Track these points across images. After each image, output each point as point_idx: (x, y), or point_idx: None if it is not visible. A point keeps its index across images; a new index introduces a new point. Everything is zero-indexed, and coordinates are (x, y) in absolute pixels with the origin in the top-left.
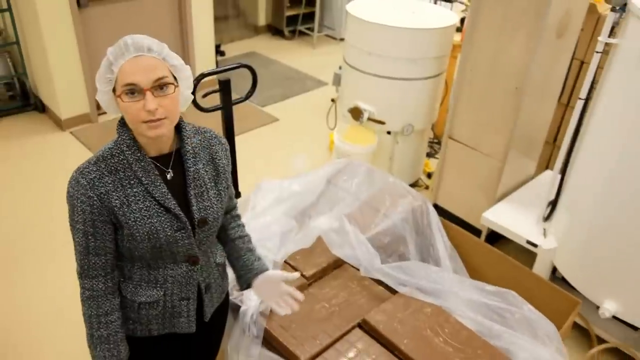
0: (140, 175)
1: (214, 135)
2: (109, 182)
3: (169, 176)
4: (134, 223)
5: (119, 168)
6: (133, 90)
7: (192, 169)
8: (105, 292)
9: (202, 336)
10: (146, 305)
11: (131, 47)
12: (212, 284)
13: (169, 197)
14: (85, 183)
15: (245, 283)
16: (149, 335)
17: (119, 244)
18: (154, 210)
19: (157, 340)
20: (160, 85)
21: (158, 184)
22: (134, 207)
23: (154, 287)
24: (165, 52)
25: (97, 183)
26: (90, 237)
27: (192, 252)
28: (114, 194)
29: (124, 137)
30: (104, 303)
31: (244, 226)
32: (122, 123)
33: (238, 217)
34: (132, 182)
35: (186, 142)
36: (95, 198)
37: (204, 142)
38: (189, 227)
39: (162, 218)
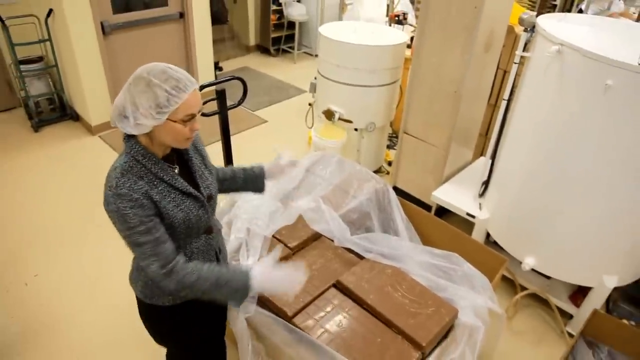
0: (162, 175)
1: None
2: (143, 184)
3: (176, 170)
4: (172, 212)
5: (142, 175)
6: (191, 118)
7: (193, 160)
8: (186, 260)
9: None
10: None
11: (188, 82)
12: (222, 247)
13: (187, 185)
14: (126, 191)
15: (261, 184)
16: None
17: None
18: (180, 199)
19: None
20: (199, 110)
21: (176, 177)
22: (167, 201)
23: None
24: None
25: (135, 187)
26: (153, 230)
27: (208, 223)
28: (151, 192)
29: (137, 148)
30: (194, 264)
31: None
32: (128, 136)
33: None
34: (155, 182)
35: None
36: (141, 198)
37: None
38: (206, 204)
39: (188, 202)
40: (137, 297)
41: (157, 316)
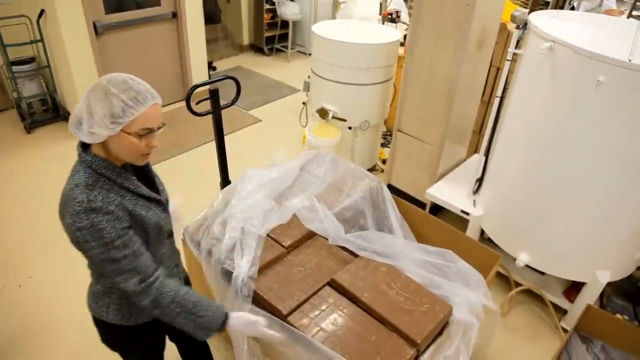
0: (127, 184)
1: None
2: (113, 196)
3: (135, 180)
4: (146, 218)
5: (108, 187)
6: (147, 132)
7: (149, 167)
8: (166, 275)
9: None
10: None
11: (148, 94)
12: (177, 248)
13: (149, 191)
14: (100, 204)
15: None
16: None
17: None
18: (146, 205)
19: None
20: (160, 127)
21: (140, 185)
22: (138, 208)
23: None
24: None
25: (108, 200)
26: (130, 243)
27: (170, 227)
28: (124, 202)
29: (97, 162)
30: (172, 282)
31: None
32: (85, 150)
33: None
34: (121, 192)
35: None
36: (115, 210)
37: None
38: (167, 207)
39: (154, 207)
40: (105, 322)
41: (129, 338)
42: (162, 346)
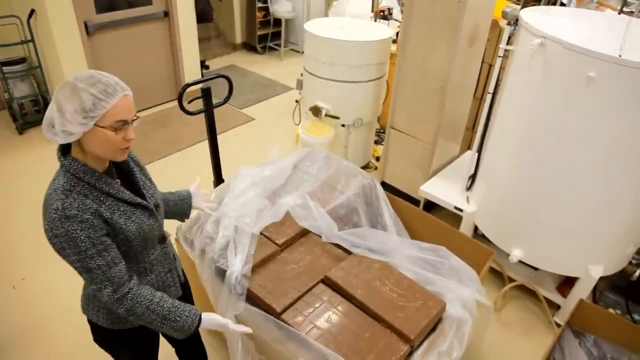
0: (107, 189)
1: None
2: (90, 203)
3: (118, 184)
4: (124, 226)
5: (86, 192)
6: (122, 125)
7: (134, 171)
8: (139, 283)
9: (184, 297)
10: None
11: (117, 87)
12: (175, 253)
13: (133, 196)
14: (75, 212)
15: (188, 208)
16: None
17: None
18: (129, 211)
19: None
20: (134, 120)
21: (122, 190)
22: (117, 215)
23: (146, 274)
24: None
25: (84, 207)
26: (104, 253)
27: (161, 233)
28: (100, 209)
29: (76, 166)
30: (146, 290)
31: None
32: (64, 155)
33: None
34: (102, 197)
35: None
36: (91, 218)
37: None
38: (155, 212)
39: (138, 213)
40: (97, 325)
41: (120, 341)
42: (155, 348)
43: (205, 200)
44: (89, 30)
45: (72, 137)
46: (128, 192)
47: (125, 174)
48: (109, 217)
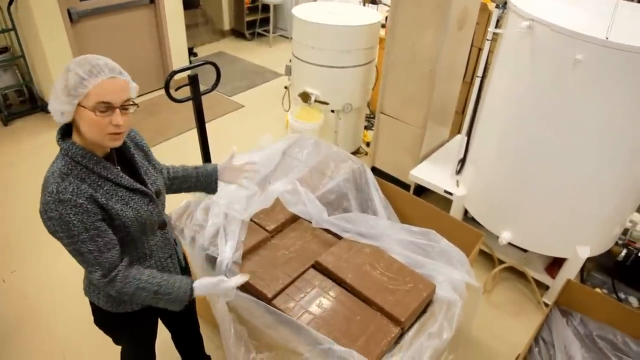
0: (105, 173)
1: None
2: (86, 188)
3: (118, 170)
4: (121, 212)
5: (84, 176)
6: (106, 108)
7: (135, 157)
8: (129, 266)
9: None
10: None
11: (105, 68)
12: (176, 238)
13: (133, 181)
14: (69, 197)
15: (214, 184)
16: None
17: None
18: (127, 197)
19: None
20: (125, 105)
21: (120, 175)
22: (114, 200)
23: (146, 260)
24: (128, 76)
25: (78, 191)
26: (97, 238)
27: (161, 219)
28: (96, 195)
29: (75, 149)
30: (136, 270)
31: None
32: (63, 137)
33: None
34: (100, 182)
35: (125, 140)
36: (85, 203)
37: (128, 137)
38: (155, 199)
39: (136, 199)
40: (98, 307)
41: (119, 324)
42: (154, 333)
43: (243, 171)
44: (72, 18)
45: (64, 117)
46: (127, 177)
47: (127, 159)
48: (105, 203)
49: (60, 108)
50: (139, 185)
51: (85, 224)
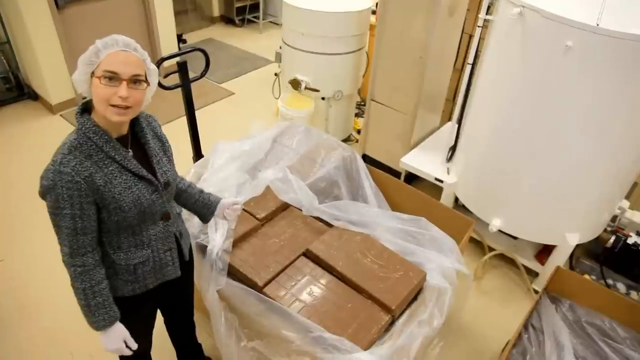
0: (113, 154)
1: (149, 115)
2: (89, 165)
3: (130, 154)
4: (119, 196)
5: (91, 153)
6: (112, 77)
7: (150, 144)
8: (94, 265)
9: (185, 276)
10: (140, 265)
11: (120, 42)
12: (182, 231)
13: (140, 167)
14: (69, 170)
15: (210, 215)
16: (146, 290)
17: (105, 220)
18: (131, 181)
19: (153, 292)
20: (135, 80)
21: (129, 158)
22: (116, 182)
23: (142, 248)
24: (146, 56)
25: (79, 168)
26: (77, 219)
27: (165, 210)
28: (96, 175)
29: (88, 125)
30: (95, 275)
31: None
32: (82, 112)
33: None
34: (106, 162)
35: (140, 124)
36: (82, 182)
37: (146, 123)
38: (161, 189)
39: (140, 185)
40: None
41: (119, 309)
42: (152, 319)
43: (229, 210)
44: (58, 3)
45: (82, 87)
46: (135, 162)
47: (141, 145)
48: (102, 185)
49: (77, 77)
50: (145, 173)
51: (73, 200)
